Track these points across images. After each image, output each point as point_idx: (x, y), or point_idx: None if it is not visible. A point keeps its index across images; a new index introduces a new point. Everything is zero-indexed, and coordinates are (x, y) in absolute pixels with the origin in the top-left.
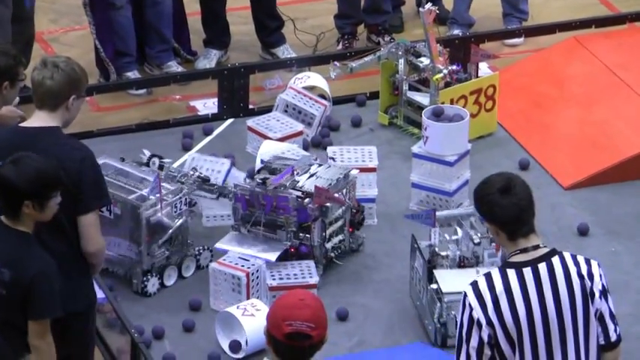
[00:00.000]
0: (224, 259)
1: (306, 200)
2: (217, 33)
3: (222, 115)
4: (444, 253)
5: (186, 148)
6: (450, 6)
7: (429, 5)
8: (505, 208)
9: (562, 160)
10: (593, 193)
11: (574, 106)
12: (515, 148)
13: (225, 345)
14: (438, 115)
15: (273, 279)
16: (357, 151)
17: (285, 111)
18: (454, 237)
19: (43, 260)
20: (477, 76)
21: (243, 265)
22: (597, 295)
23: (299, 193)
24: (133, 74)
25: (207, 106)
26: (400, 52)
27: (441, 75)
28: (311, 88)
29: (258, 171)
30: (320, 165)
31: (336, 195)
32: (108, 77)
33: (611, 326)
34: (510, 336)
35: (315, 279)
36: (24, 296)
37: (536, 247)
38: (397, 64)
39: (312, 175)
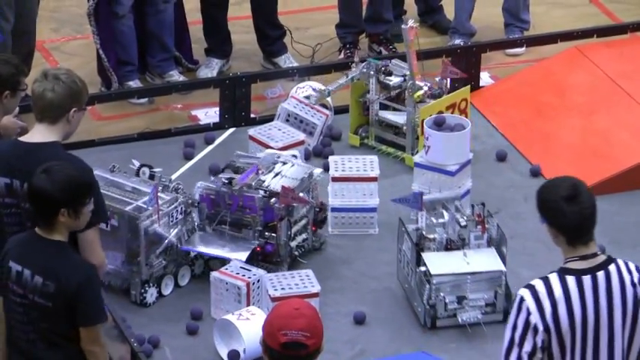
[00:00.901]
0: (225, 269)
1: (273, 200)
2: (219, 42)
3: (224, 124)
4: (431, 236)
5: (188, 157)
6: (451, 15)
7: (411, 22)
8: (569, 216)
9: (564, 169)
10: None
11: (576, 115)
12: (517, 158)
13: (223, 354)
14: (439, 125)
15: (275, 289)
16: (359, 160)
17: (287, 120)
18: (441, 220)
19: (84, 267)
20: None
21: (244, 275)
22: None
23: (264, 193)
24: (134, 83)
25: (209, 115)
26: (372, 72)
27: (422, 92)
28: None
29: (222, 170)
30: (284, 163)
31: (302, 195)
32: (110, 86)
33: None
34: (563, 341)
35: (316, 288)
36: (70, 305)
37: (595, 254)
38: (368, 84)
39: (277, 174)
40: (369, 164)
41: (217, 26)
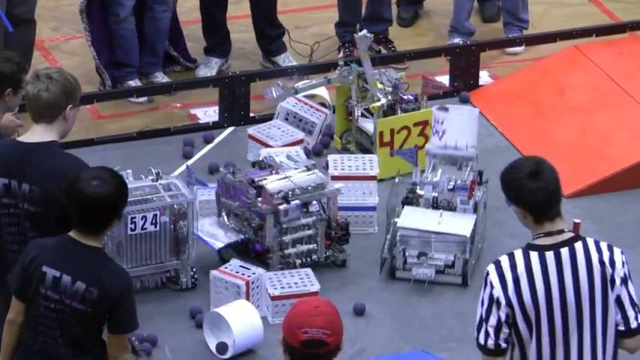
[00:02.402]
0: (225, 267)
1: (258, 199)
2: (218, 41)
3: (223, 123)
4: (421, 192)
5: (187, 156)
6: (450, 16)
7: (364, 31)
8: (534, 192)
9: (563, 168)
10: (594, 202)
11: (575, 114)
12: (516, 157)
13: (212, 347)
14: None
15: (275, 288)
16: (358, 159)
17: (286, 119)
18: (434, 179)
19: (125, 274)
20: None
21: (243, 274)
22: (618, 282)
23: (254, 190)
24: (133, 83)
25: (208, 114)
26: (352, 77)
27: (379, 104)
28: (312, 97)
29: (253, 165)
30: (304, 170)
31: (315, 203)
32: (104, 85)
33: (631, 313)
34: (528, 317)
35: (316, 287)
36: (109, 311)
37: (561, 231)
38: (350, 90)
39: (285, 177)
40: (368, 163)
41: (216, 25)
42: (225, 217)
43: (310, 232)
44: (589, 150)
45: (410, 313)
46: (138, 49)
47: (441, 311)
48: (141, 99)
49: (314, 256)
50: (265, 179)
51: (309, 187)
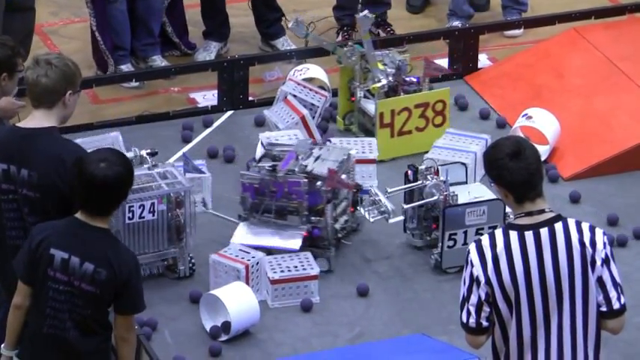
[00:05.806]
0: (225, 251)
1: (319, 183)
2: (217, 25)
3: (222, 107)
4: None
5: (186, 140)
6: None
7: (365, 12)
8: (514, 172)
9: (562, 151)
10: (594, 184)
11: (574, 97)
12: None
13: (208, 330)
14: None
15: (274, 272)
16: (357, 142)
17: None
18: (432, 182)
19: (132, 255)
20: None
21: (243, 258)
22: (599, 263)
23: (308, 177)
24: (126, 67)
25: (207, 98)
26: (354, 58)
27: (379, 85)
28: (310, 80)
29: (260, 159)
30: (320, 148)
31: (344, 177)
32: (106, 70)
33: (613, 294)
34: (508, 296)
35: (316, 270)
36: (117, 292)
37: (542, 211)
38: (353, 70)
39: (317, 158)
40: (367, 146)
41: (215, 9)
42: (255, 219)
43: (344, 203)
44: (589, 132)
45: (410, 297)
46: (130, 32)
47: (441, 295)
48: (133, 84)
49: (347, 227)
50: (305, 165)
51: (343, 160)
